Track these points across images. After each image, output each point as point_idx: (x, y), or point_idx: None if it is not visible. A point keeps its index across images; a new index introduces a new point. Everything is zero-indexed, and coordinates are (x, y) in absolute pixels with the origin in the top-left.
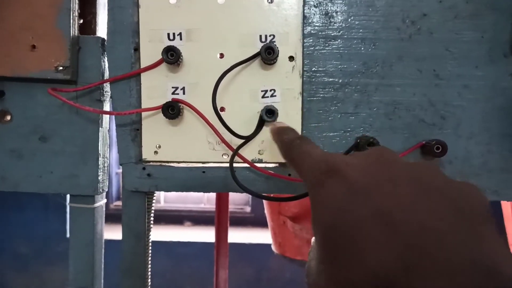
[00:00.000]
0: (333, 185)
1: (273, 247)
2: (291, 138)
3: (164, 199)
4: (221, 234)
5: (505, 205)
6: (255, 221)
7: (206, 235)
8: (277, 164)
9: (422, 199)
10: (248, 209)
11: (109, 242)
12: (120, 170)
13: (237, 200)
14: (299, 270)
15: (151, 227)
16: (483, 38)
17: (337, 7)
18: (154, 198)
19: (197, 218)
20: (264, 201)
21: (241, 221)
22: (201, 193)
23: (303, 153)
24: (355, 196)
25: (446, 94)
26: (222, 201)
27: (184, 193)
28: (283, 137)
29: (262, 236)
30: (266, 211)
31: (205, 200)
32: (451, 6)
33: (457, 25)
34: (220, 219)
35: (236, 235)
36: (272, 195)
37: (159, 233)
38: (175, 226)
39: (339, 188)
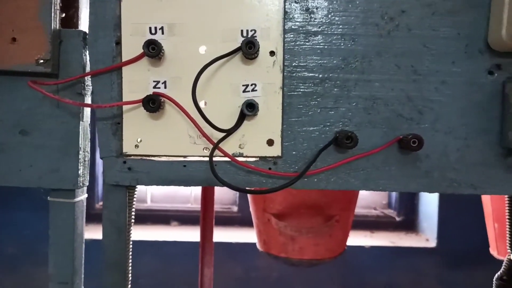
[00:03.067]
0: None
1: (258, 245)
2: None
3: (150, 199)
4: (206, 233)
5: (485, 202)
6: (242, 220)
7: (193, 234)
8: (257, 158)
9: None
10: (235, 208)
11: (95, 242)
12: None
13: (224, 200)
14: (286, 268)
15: (133, 222)
16: (459, 34)
17: (317, 3)
18: (136, 192)
19: (184, 218)
20: (249, 199)
21: (228, 221)
22: (188, 192)
23: None
24: None
25: (423, 90)
26: (207, 200)
27: (171, 193)
28: None
29: (249, 235)
30: (251, 209)
31: (192, 200)
32: (429, 3)
33: (435, 21)
34: (205, 217)
35: (224, 235)
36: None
37: (146, 233)
38: (162, 226)
39: None
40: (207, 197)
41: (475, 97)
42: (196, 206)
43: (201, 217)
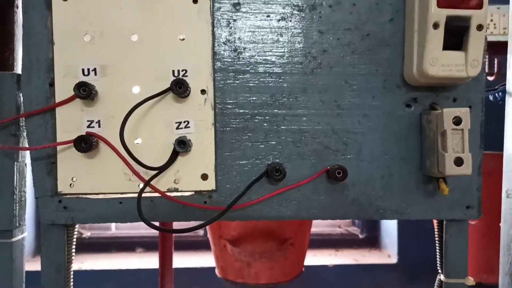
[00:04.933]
0: None
1: (216, 271)
2: None
3: (115, 226)
4: (165, 259)
5: None
6: (209, 245)
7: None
8: (193, 192)
9: None
10: (201, 232)
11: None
12: None
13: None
14: None
15: (73, 258)
16: (378, 71)
17: (244, 44)
18: (76, 229)
19: (150, 244)
20: (207, 226)
21: (195, 245)
22: None
23: None
24: None
25: (347, 123)
26: (165, 226)
27: None
28: None
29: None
30: (208, 236)
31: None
32: (348, 43)
33: (354, 59)
34: (164, 244)
35: (189, 260)
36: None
37: (110, 262)
38: (127, 253)
39: None
40: (165, 224)
41: (395, 128)
42: None
43: (160, 244)
